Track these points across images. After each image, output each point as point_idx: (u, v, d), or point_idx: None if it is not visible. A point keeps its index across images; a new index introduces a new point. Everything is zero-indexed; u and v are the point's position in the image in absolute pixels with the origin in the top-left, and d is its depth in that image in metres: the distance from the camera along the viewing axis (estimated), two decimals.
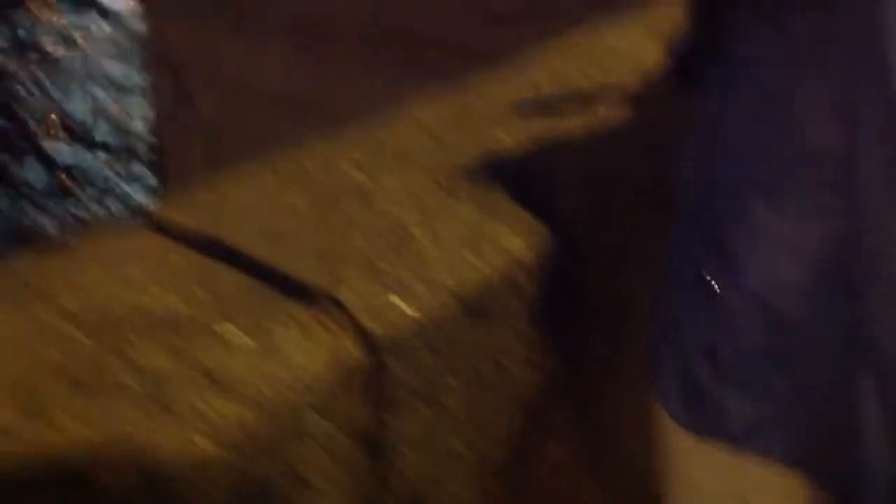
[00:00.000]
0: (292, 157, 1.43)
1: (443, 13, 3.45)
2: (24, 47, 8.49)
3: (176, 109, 4.19)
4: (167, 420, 0.96)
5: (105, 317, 1.05)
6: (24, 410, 0.95)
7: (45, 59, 8.39)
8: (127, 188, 7.01)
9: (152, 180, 5.84)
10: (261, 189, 1.34)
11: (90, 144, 7.52)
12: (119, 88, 7.86)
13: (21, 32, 8.62)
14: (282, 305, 1.10)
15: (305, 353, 1.07)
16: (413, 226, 1.22)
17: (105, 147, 7.43)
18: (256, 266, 1.14)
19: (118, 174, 7.19)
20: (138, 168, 7.16)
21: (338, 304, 1.12)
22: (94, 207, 6.91)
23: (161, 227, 1.20)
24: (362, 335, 1.11)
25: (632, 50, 1.65)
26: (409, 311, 1.14)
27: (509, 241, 1.24)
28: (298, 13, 3.68)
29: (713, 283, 1.07)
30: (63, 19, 8.68)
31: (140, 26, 4.81)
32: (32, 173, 7.25)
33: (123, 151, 7.40)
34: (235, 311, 1.08)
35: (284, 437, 1.03)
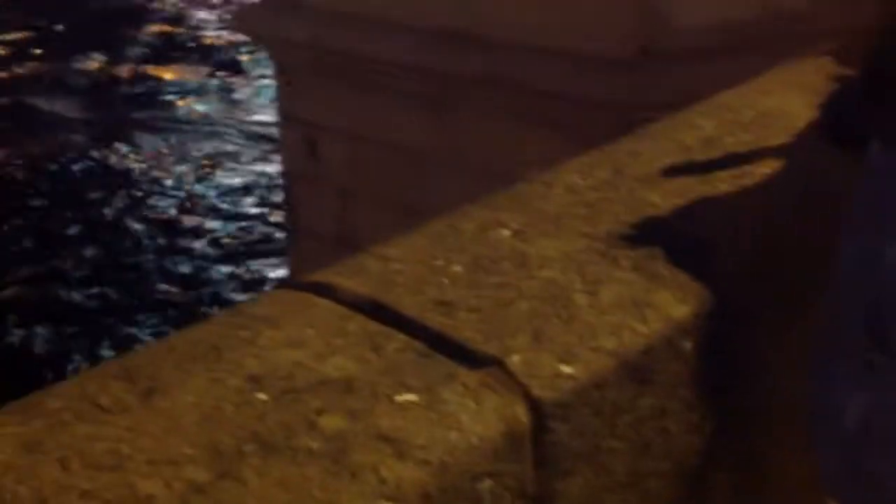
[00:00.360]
0: (446, 221, 1.48)
1: (552, 62, 3.48)
2: (156, 102, 8.88)
3: (307, 165, 4.32)
4: (351, 483, 1.00)
5: (287, 381, 1.10)
6: (216, 471, 1.00)
7: (179, 114, 8.75)
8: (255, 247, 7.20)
9: (281, 236, 6.00)
10: (419, 253, 1.38)
11: (215, 210, 7.77)
12: (252, 142, 8.13)
13: (156, 88, 9.03)
14: (451, 370, 1.14)
15: (475, 417, 1.10)
16: (574, 291, 1.24)
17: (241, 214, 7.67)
18: (425, 332, 1.18)
19: (248, 231, 7.40)
20: (266, 227, 7.37)
21: (505, 368, 1.15)
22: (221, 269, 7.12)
23: (331, 293, 1.26)
24: (529, 399, 1.13)
25: (781, 108, 1.65)
26: (574, 376, 1.16)
27: (670, 305, 1.26)
28: (422, 70, 3.77)
29: (873, 357, 1.06)
30: (200, 76, 9.07)
31: (272, 83, 5.01)
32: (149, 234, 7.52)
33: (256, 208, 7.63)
34: (408, 377, 1.12)
35: (458, 500, 1.06)
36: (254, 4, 4.66)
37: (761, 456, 1.43)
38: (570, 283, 1.25)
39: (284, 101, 4.53)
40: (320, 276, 1.26)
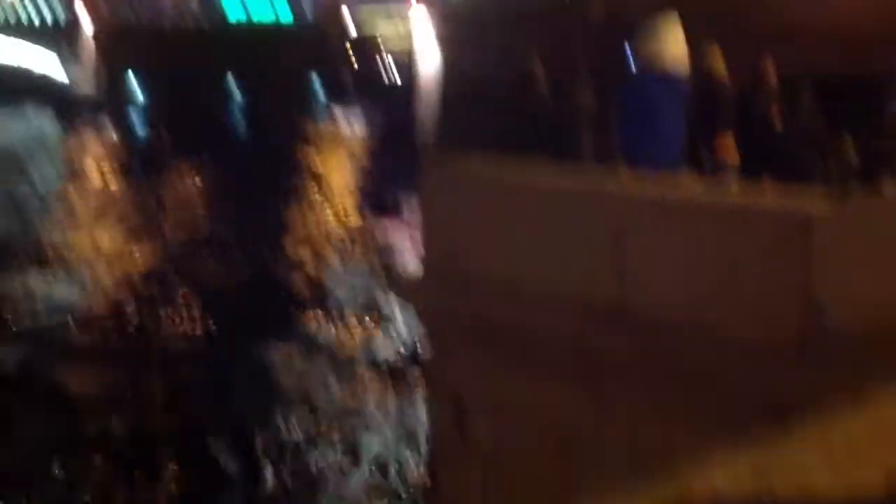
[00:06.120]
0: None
1: (723, 350, 3.39)
2: None
3: (454, 438, 4.31)
4: None
5: None
6: None
7: None
8: None
9: None
10: None
11: None
12: None
13: None
14: None
15: None
16: None
17: None
18: None
19: None
20: None
21: None
22: None
23: None
24: None
25: None
26: None
27: None
28: (578, 349, 3.76)
29: None
30: None
31: None
32: None
33: None
34: None
35: None
36: (418, 277, 4.80)
37: None
38: None
39: (433, 366, 4.61)
40: None
